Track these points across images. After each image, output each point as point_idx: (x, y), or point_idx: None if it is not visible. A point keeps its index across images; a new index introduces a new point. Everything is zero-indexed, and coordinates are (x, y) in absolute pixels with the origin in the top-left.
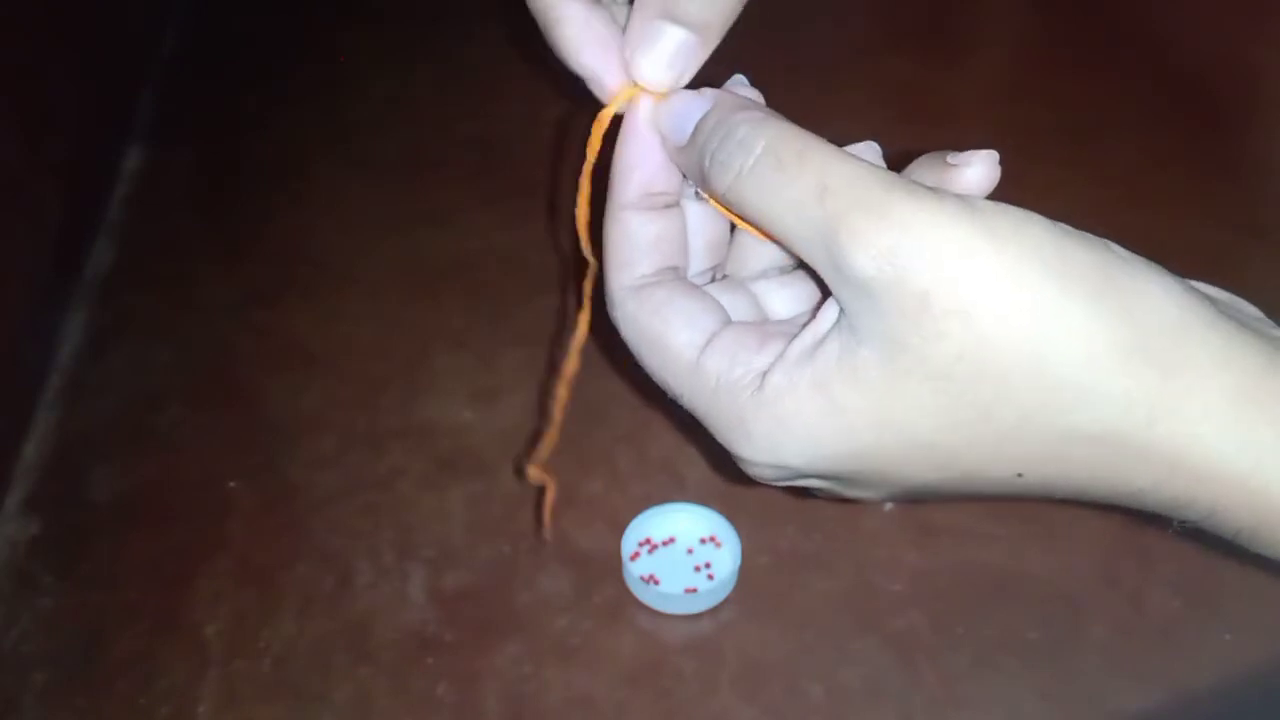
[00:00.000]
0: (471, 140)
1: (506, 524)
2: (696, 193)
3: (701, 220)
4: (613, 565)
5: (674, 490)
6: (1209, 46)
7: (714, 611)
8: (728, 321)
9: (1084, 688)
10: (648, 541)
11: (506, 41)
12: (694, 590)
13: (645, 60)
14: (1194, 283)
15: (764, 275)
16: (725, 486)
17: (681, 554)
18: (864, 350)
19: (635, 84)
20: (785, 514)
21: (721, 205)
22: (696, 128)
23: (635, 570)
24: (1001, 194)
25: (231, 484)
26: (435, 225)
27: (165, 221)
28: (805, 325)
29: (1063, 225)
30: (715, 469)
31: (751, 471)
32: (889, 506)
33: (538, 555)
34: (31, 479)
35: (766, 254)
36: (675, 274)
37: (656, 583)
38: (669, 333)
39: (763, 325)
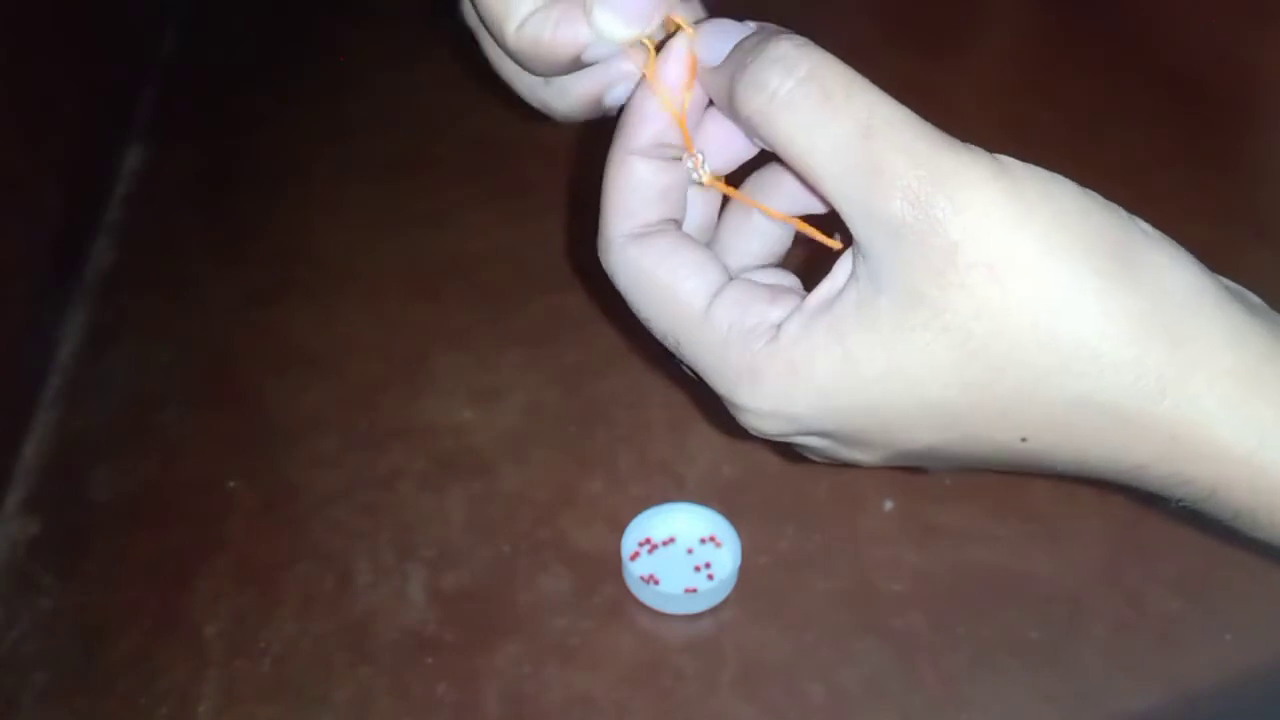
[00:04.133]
0: (471, 140)
1: (506, 524)
2: (695, 177)
3: (693, 204)
4: (613, 565)
5: (674, 490)
6: (1209, 46)
7: (714, 611)
8: (733, 276)
9: (1084, 688)
10: (648, 541)
11: None
12: (694, 590)
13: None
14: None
15: (747, 270)
16: (725, 486)
17: (681, 554)
18: (883, 299)
19: (672, 20)
20: (785, 514)
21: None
22: (735, 47)
23: (635, 570)
24: None
25: (231, 484)
26: (435, 225)
27: (165, 221)
28: (822, 280)
29: (1089, 192)
30: (714, 425)
31: (754, 423)
32: (889, 505)
33: (538, 555)
34: (31, 479)
35: (753, 246)
36: (677, 226)
37: (656, 583)
38: (676, 280)
39: (770, 285)
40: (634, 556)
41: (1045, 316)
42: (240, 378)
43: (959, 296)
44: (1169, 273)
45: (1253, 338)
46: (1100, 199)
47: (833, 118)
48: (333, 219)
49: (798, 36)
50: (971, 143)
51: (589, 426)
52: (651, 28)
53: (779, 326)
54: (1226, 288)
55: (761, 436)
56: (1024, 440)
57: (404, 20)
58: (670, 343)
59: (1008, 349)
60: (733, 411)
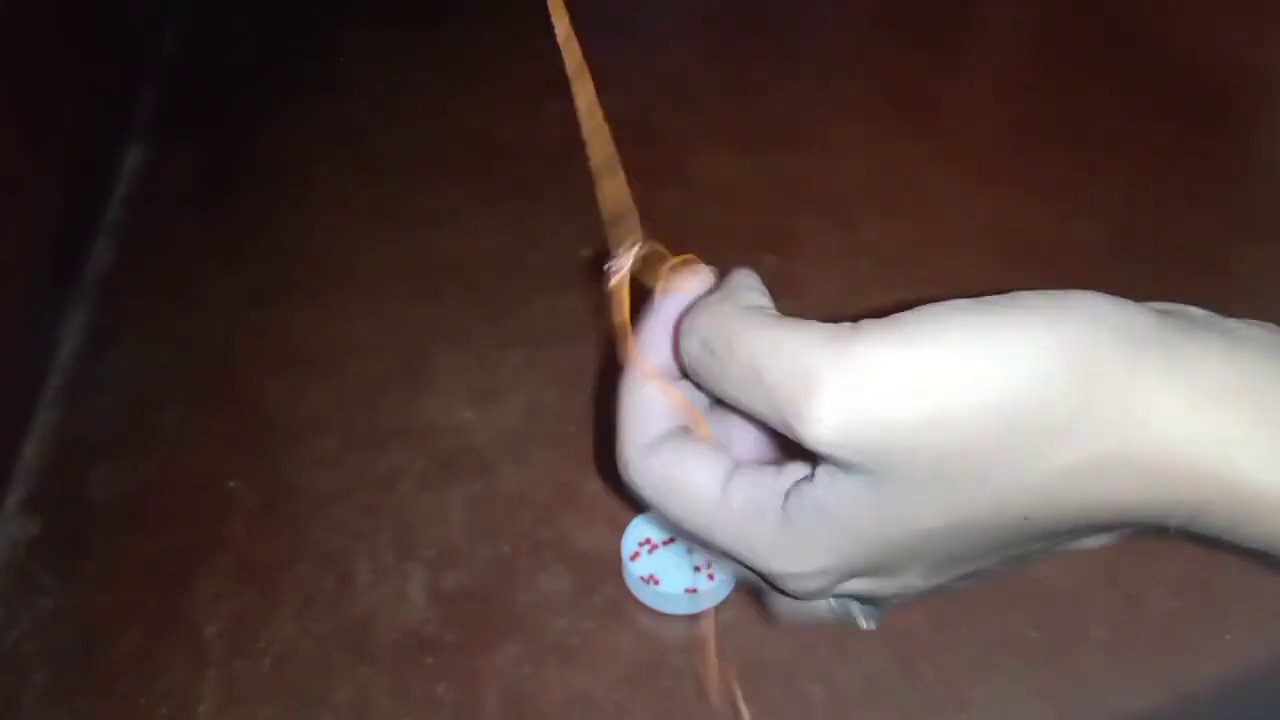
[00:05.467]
0: (471, 140)
1: (506, 524)
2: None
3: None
4: (613, 565)
5: None
6: (1209, 46)
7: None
8: (738, 456)
9: (1084, 688)
10: (648, 541)
11: (507, 41)
12: (694, 590)
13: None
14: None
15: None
16: None
17: (681, 554)
18: (850, 482)
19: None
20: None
21: None
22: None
23: (635, 570)
24: (1003, 192)
25: (231, 484)
26: (435, 225)
27: (165, 221)
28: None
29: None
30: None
31: (797, 588)
32: None
33: (538, 555)
34: (31, 479)
35: (748, 439)
36: (685, 431)
37: (656, 583)
38: (690, 475)
39: (777, 458)
40: (634, 556)
41: (997, 426)
42: (240, 378)
43: (919, 458)
44: (1091, 322)
45: (1194, 357)
46: (930, 307)
47: (726, 372)
48: (333, 219)
49: (700, 307)
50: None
51: (589, 426)
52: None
53: (787, 494)
54: (1159, 312)
55: (814, 600)
56: (1026, 519)
57: (404, 20)
58: (699, 536)
59: (980, 470)
60: (776, 585)
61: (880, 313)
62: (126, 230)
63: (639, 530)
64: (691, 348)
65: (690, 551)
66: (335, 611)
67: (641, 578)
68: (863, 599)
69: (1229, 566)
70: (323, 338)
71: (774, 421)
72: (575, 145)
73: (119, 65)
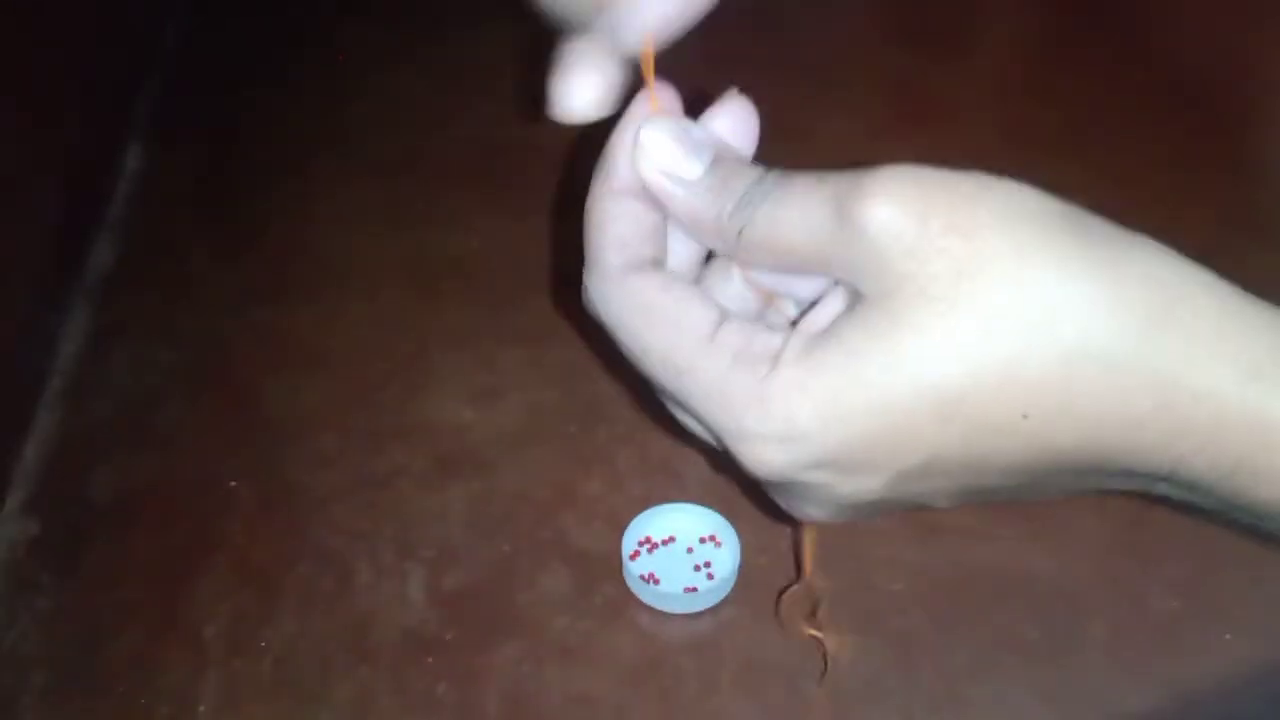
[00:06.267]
0: (471, 140)
1: (506, 524)
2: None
3: (675, 249)
4: (613, 565)
5: (674, 490)
6: (1209, 46)
7: (714, 611)
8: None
9: (1084, 688)
10: (648, 541)
11: (506, 41)
12: (694, 590)
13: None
14: None
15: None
16: (725, 486)
17: (681, 553)
18: (874, 305)
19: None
20: (785, 514)
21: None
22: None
23: (635, 570)
24: None
25: (231, 484)
26: (435, 225)
27: (165, 221)
28: (813, 310)
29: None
30: (716, 470)
31: (759, 453)
32: None
33: (538, 555)
34: (31, 479)
35: (734, 306)
36: (664, 265)
37: (656, 582)
38: (681, 308)
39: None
40: (634, 556)
41: (1022, 268)
42: (240, 378)
43: (938, 263)
44: (1132, 242)
45: (1225, 292)
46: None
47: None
48: (333, 219)
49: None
50: (972, 143)
51: (589, 426)
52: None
53: (780, 353)
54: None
55: (765, 474)
56: (1025, 417)
57: (404, 20)
58: (668, 375)
59: (993, 309)
60: (734, 445)
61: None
62: (126, 230)
63: (639, 530)
64: (758, 207)
65: (689, 551)
66: (335, 611)
67: (641, 577)
68: (808, 495)
69: (1229, 566)
70: (323, 337)
71: (826, 241)
72: (574, 144)
73: (119, 65)
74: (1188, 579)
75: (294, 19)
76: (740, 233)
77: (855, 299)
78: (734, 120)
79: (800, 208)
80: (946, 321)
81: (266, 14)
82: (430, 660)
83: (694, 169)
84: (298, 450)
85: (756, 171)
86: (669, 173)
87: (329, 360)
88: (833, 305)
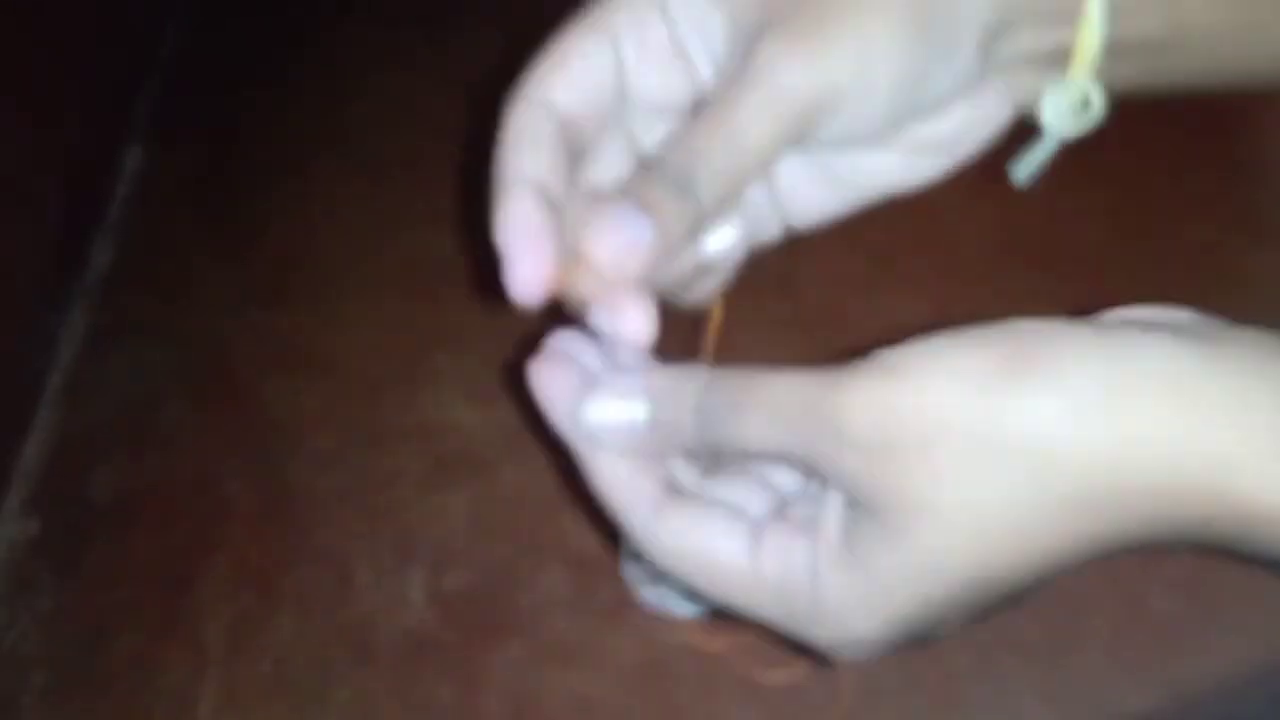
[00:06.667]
0: (472, 140)
1: (506, 524)
2: None
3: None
4: (613, 565)
5: None
6: None
7: (714, 612)
8: (752, 519)
9: (1084, 688)
10: None
11: (506, 41)
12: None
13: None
14: (1108, 314)
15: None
16: None
17: None
18: (867, 524)
19: None
20: None
21: None
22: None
23: (635, 571)
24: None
25: (232, 484)
26: (435, 225)
27: (165, 221)
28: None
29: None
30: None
31: (846, 655)
32: None
33: (538, 556)
34: (31, 479)
35: None
36: (673, 489)
37: (657, 583)
38: (712, 545)
39: (787, 514)
40: (634, 556)
41: (973, 425)
42: (240, 378)
43: (921, 472)
44: (1075, 353)
45: (1178, 368)
46: (956, 335)
47: (747, 422)
48: (333, 219)
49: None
50: None
51: None
52: None
53: (815, 564)
54: (1135, 322)
55: (871, 657)
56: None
57: (403, 20)
58: (737, 609)
59: (1007, 483)
60: (822, 648)
61: (879, 312)
62: (126, 230)
63: None
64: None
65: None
66: (335, 612)
67: (641, 577)
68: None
69: (1229, 566)
70: (323, 338)
71: (796, 446)
72: None
73: (119, 65)
74: (1188, 579)
75: (294, 19)
76: (710, 443)
77: (852, 509)
78: (636, 314)
79: (767, 423)
80: (944, 536)
81: (266, 14)
82: (430, 661)
83: (638, 411)
84: (298, 451)
85: (695, 377)
86: (622, 435)
87: (329, 361)
88: (834, 506)
